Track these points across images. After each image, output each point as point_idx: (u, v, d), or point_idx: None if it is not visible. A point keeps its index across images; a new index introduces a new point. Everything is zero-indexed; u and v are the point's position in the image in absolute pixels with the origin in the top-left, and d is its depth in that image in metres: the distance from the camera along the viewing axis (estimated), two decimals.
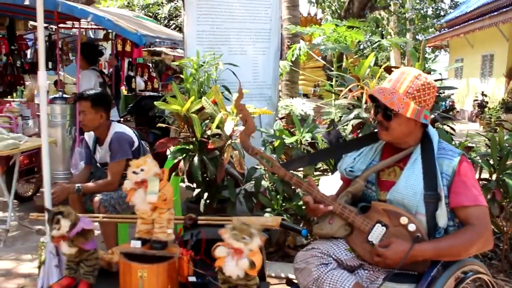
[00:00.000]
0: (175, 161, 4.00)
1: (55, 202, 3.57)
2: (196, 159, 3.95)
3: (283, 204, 4.13)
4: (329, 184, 3.74)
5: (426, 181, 2.23)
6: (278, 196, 4.10)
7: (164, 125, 4.11)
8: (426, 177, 2.24)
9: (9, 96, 8.24)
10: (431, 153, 2.27)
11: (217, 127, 3.94)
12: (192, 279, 2.16)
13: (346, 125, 4.23)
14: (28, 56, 12.52)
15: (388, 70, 4.17)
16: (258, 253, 1.88)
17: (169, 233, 1.99)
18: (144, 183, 1.92)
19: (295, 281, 2.36)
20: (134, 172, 1.93)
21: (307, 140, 4.21)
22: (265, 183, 4.14)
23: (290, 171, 2.47)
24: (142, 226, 2.00)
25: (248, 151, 2.42)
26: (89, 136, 3.87)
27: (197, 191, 4.23)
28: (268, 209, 4.11)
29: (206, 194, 4.15)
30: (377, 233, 2.23)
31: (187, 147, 4.00)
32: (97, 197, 3.48)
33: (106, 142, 3.67)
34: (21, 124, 5.40)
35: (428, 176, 2.23)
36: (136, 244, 1.98)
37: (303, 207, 4.10)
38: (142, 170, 1.92)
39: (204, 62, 4.29)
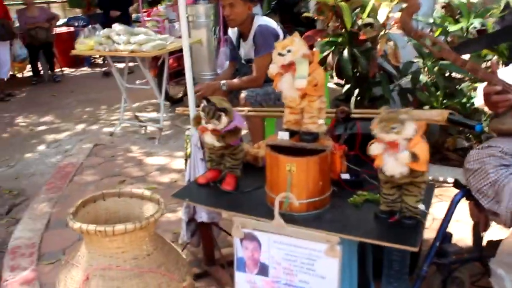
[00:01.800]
0: (323, 55, 3.70)
1: (201, 99, 3.54)
2: (346, 52, 3.62)
3: (444, 101, 3.66)
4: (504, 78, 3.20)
5: None
6: (438, 93, 3.63)
7: (310, 15, 3.79)
8: None
9: (157, 5, 8.42)
10: None
11: (369, 15, 3.53)
12: (345, 176, 1.93)
13: None
14: None
15: None
16: (421, 142, 1.56)
17: (320, 123, 1.74)
18: (291, 66, 1.67)
19: (464, 183, 2.01)
20: (280, 54, 1.68)
21: (475, 28, 3.60)
22: (423, 78, 3.69)
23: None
24: (290, 116, 1.78)
25: (410, 34, 2.02)
26: (232, 32, 3.70)
27: (346, 87, 3.92)
28: (426, 107, 3.68)
29: (356, 91, 3.83)
30: None
31: (336, 40, 3.66)
32: (243, 94, 3.35)
33: (250, 37, 3.47)
34: (168, 26, 5.44)
35: None
36: (283, 136, 1.78)
37: (468, 104, 3.61)
38: (289, 51, 1.66)
39: None
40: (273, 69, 1.71)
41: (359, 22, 3.56)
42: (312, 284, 1.67)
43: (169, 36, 4.67)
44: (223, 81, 3.45)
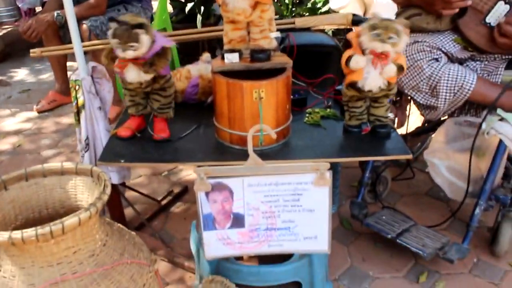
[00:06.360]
0: None
1: (33, 39, 2.86)
2: None
3: (293, 9, 3.58)
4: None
5: None
6: (287, 1, 3.53)
7: None
8: None
9: None
10: None
11: None
12: None
13: None
14: None
15: None
16: (402, 55, 1.43)
17: (273, 37, 1.47)
18: None
19: None
20: None
21: None
22: None
23: None
24: (234, 33, 1.44)
25: None
26: None
27: (190, 6, 3.55)
28: (276, 16, 3.55)
29: (202, 9, 3.51)
30: (498, 13, 1.79)
31: None
32: (85, 24, 2.78)
33: None
34: None
35: None
36: (232, 58, 1.45)
37: (318, 11, 3.58)
38: None
39: None
40: None
41: None
42: (299, 222, 1.46)
43: None
44: (56, 12, 2.83)
